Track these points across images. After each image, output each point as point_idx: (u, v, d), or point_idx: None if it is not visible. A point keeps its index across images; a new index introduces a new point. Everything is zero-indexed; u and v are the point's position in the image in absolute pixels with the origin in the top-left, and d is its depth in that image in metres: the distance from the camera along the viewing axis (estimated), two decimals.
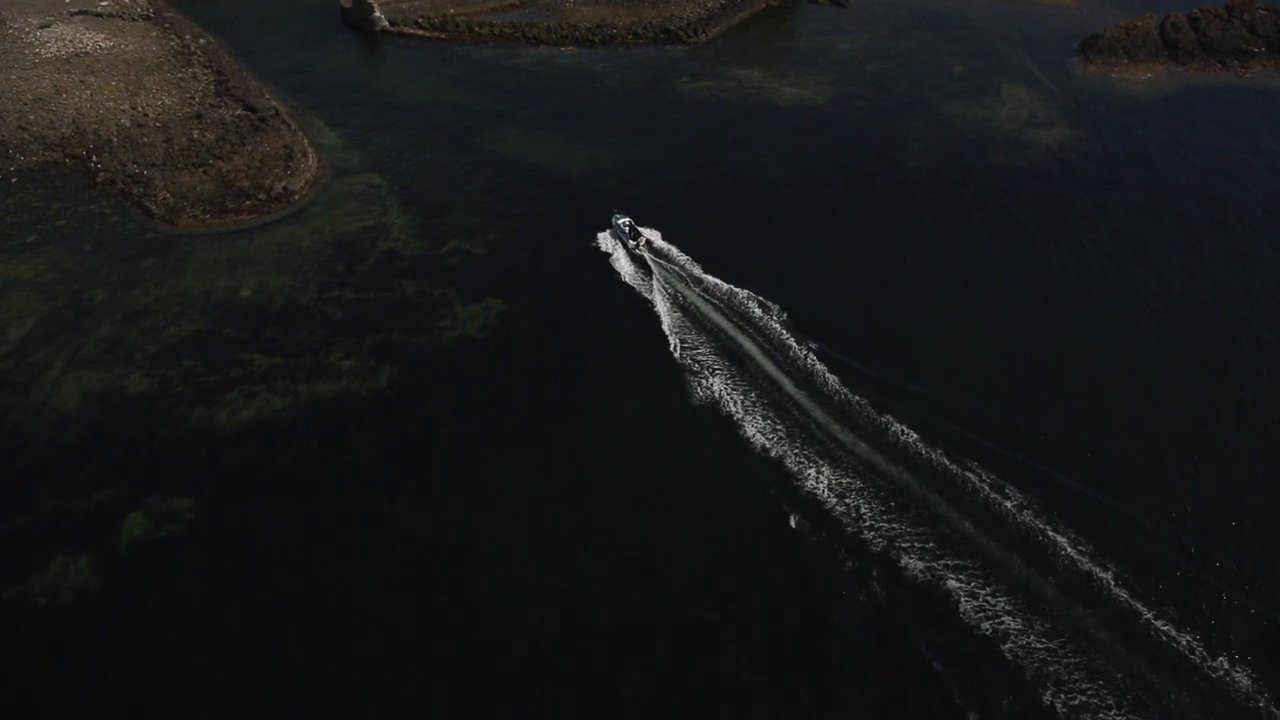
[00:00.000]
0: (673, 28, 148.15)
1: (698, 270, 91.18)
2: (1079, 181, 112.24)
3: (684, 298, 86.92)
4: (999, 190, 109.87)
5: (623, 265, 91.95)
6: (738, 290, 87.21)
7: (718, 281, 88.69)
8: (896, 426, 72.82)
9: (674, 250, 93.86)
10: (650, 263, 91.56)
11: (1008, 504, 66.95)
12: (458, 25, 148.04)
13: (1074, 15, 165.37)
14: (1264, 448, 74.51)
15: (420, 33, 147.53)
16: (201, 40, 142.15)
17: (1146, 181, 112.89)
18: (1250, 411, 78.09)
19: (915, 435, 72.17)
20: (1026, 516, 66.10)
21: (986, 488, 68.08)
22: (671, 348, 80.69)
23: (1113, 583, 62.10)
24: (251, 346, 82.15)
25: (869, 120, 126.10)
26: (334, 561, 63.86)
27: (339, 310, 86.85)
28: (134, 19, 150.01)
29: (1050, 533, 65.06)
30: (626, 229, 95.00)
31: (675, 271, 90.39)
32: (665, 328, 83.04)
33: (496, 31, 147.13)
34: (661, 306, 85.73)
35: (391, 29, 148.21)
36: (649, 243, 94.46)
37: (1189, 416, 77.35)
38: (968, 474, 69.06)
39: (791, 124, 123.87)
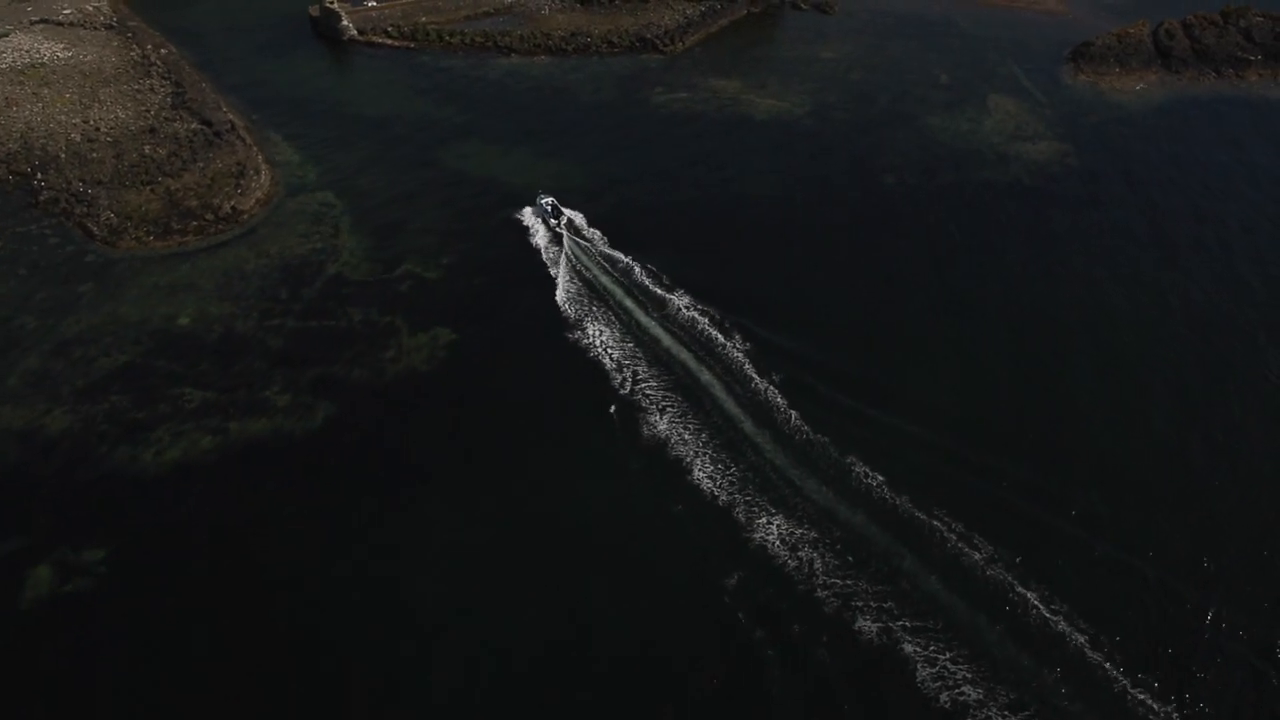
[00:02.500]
0: (649, 36, 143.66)
1: (605, 246, 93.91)
2: (1064, 199, 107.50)
3: (593, 275, 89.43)
4: (980, 209, 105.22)
5: (539, 240, 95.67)
6: (701, 314, 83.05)
7: (682, 303, 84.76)
8: (861, 468, 68.31)
9: (593, 231, 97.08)
10: (565, 240, 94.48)
11: (976, 556, 62.43)
12: (428, 34, 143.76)
13: (1065, 22, 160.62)
14: (1265, 500, 69.91)
15: (389, 42, 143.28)
16: (163, 50, 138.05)
17: (1133, 200, 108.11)
18: (1246, 456, 73.49)
19: (880, 477, 67.70)
20: (996, 570, 61.56)
21: (954, 538, 63.56)
22: (561, 305, 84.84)
23: (1087, 646, 57.54)
24: (184, 380, 77.87)
25: (848, 133, 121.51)
26: (256, 618, 59.49)
27: (279, 340, 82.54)
28: (96, 28, 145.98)
29: (1020, 589, 60.51)
30: (549, 208, 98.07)
31: (589, 249, 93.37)
32: (559, 297, 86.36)
33: (467, 41, 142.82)
34: (563, 277, 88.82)
35: (360, 38, 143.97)
36: (570, 222, 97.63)
37: (1172, 455, 72.74)
38: (935, 522, 64.53)
39: (767, 137, 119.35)
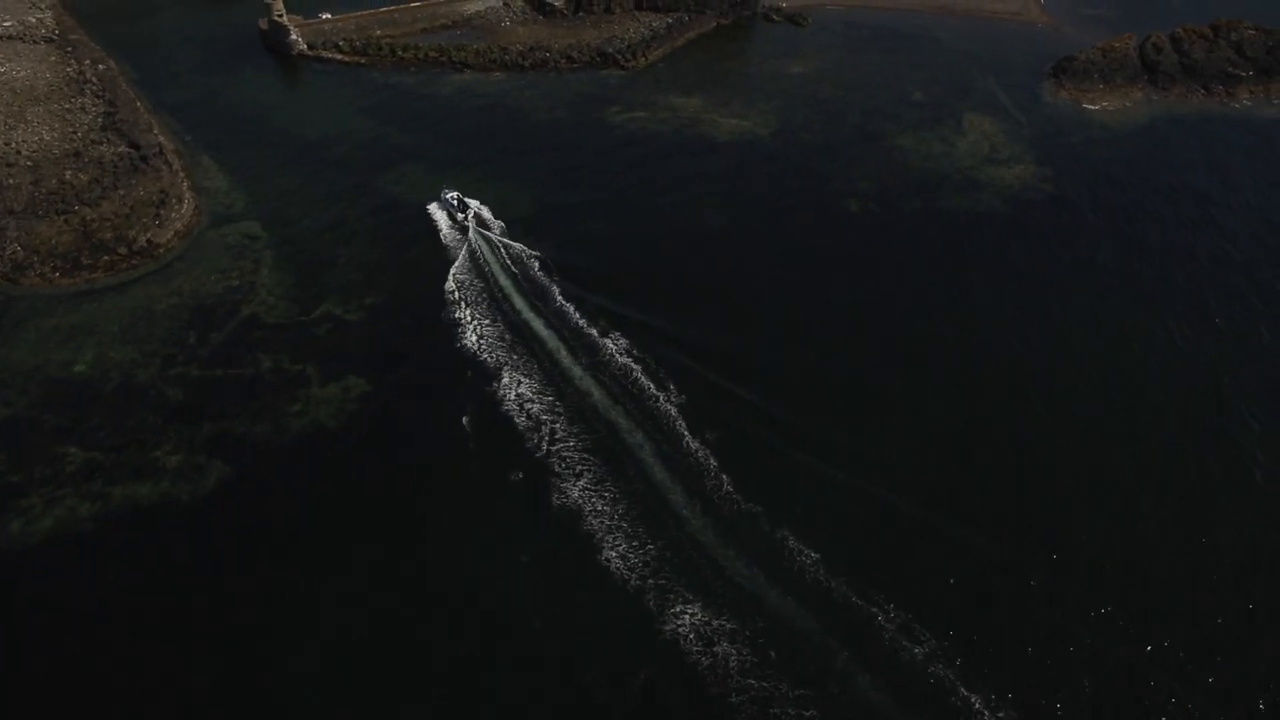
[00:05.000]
0: (611, 50, 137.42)
1: (508, 238, 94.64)
2: (1036, 231, 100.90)
3: (494, 273, 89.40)
4: (946, 240, 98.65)
5: (442, 226, 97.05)
6: (635, 361, 76.76)
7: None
8: (794, 544, 61.87)
9: (498, 223, 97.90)
10: (472, 232, 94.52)
11: (916, 651, 56.06)
12: (380, 49, 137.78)
13: (1049, 34, 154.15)
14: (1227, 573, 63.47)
15: (340, 57, 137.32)
16: (101, 66, 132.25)
17: (1109, 232, 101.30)
18: (1213, 528, 67.03)
19: (815, 555, 61.28)
20: (937, 669, 55.21)
21: (893, 628, 57.20)
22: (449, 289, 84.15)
23: None
24: (70, 437, 71.78)
25: (814, 155, 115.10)
26: (122, 710, 53.41)
27: (180, 391, 76.46)
28: (36, 41, 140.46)
29: (964, 690, 54.20)
30: (455, 202, 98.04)
31: (492, 239, 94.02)
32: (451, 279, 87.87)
33: (421, 56, 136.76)
34: (462, 261, 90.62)
35: (310, 53, 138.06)
36: (476, 215, 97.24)
37: (1145, 530, 66.35)
38: (872, 609, 58.19)
39: (726, 160, 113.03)
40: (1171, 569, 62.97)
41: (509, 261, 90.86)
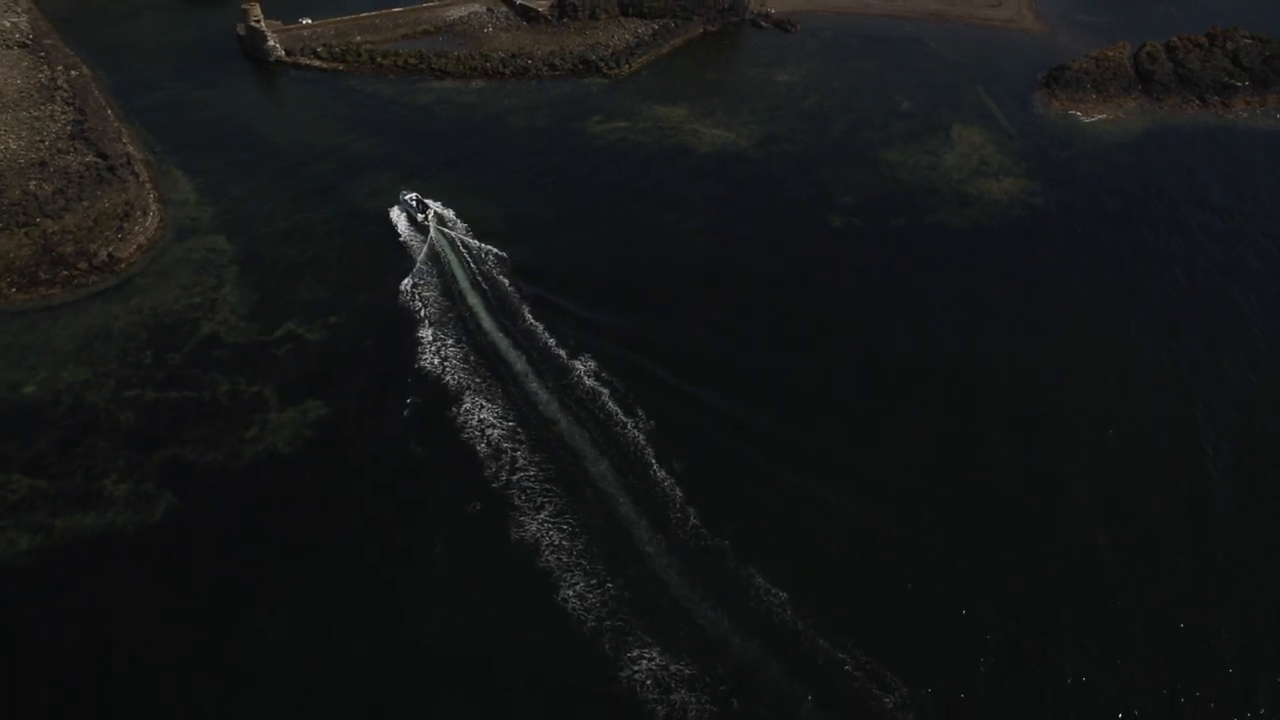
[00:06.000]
0: (593, 58, 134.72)
1: (469, 236, 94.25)
2: (1022, 248, 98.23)
3: (453, 270, 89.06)
4: (929, 258, 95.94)
5: (402, 229, 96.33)
6: (603, 384, 74.11)
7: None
8: (761, 581, 59.29)
9: (457, 221, 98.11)
10: (433, 231, 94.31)
11: (887, 700, 53.45)
12: (359, 56, 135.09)
13: (1042, 42, 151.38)
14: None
15: (318, 64, 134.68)
16: (73, 72, 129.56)
17: (1097, 249, 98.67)
18: (1161, 555, 64.43)
19: (784, 595, 58.68)
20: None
21: (862, 675, 54.57)
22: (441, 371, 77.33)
23: None
24: (14, 464, 69.09)
25: (797, 168, 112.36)
26: None
27: (132, 415, 73.78)
28: (9, 47, 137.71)
29: None
30: (414, 203, 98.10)
31: (456, 242, 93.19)
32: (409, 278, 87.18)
33: (400, 63, 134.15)
34: (422, 264, 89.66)
35: (287, 60, 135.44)
36: (437, 214, 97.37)
37: (1116, 569, 63.76)
38: (840, 654, 55.57)
39: (707, 173, 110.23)
40: (1143, 598, 60.42)
41: (471, 263, 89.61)
